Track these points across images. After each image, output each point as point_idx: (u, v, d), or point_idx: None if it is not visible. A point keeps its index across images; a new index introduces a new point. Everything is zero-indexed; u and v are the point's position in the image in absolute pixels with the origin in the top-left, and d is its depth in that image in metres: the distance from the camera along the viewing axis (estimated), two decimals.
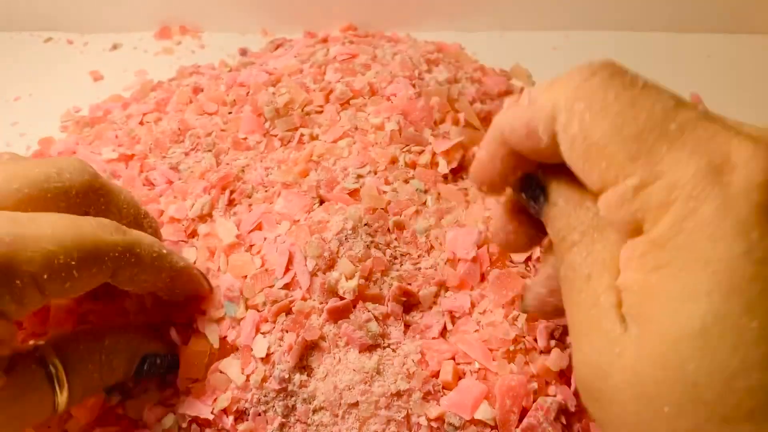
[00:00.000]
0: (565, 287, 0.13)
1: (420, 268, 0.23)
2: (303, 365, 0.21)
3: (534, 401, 0.19)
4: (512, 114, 0.14)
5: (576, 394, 0.20)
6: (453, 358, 0.20)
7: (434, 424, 0.19)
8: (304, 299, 0.21)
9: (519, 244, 0.16)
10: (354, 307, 0.21)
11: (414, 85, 0.29)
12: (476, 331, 0.21)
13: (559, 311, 0.14)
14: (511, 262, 0.23)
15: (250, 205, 0.26)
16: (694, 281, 0.10)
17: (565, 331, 0.21)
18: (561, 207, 0.13)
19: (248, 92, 0.30)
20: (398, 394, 0.20)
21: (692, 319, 0.10)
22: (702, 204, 0.10)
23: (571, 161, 0.12)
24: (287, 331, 0.21)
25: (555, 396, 0.20)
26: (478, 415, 0.19)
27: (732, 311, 0.10)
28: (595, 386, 0.11)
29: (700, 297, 0.10)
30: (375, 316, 0.21)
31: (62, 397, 0.17)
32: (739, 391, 0.10)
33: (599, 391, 0.11)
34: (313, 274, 0.22)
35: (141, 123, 0.30)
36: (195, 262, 0.24)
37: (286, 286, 0.22)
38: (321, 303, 0.21)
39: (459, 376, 0.20)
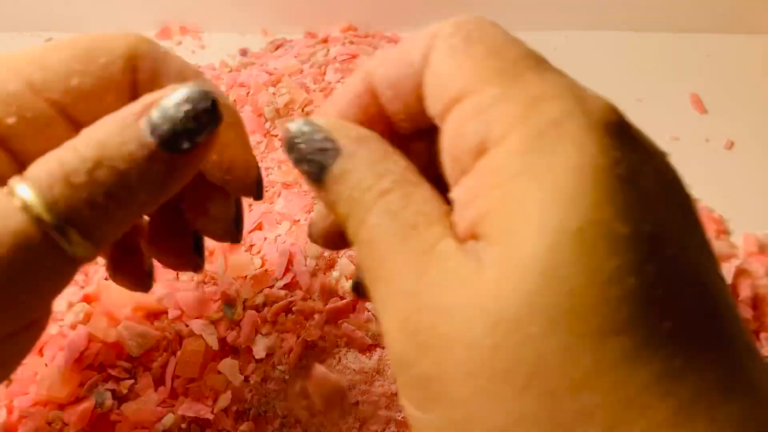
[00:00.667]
0: (376, 240, 0.11)
1: None
2: (303, 365, 0.21)
3: None
4: (382, 58, 0.13)
5: None
6: None
7: None
8: (304, 299, 0.21)
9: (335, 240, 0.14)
10: (354, 307, 0.21)
11: None
12: None
13: (346, 242, 0.12)
14: None
15: (250, 205, 0.26)
16: (564, 185, 0.09)
17: None
18: (363, 156, 0.11)
19: (248, 92, 0.30)
20: (397, 395, 0.20)
21: (567, 221, 0.09)
22: (567, 119, 0.10)
23: (430, 87, 0.11)
24: (287, 332, 0.21)
25: None
26: None
27: (605, 216, 0.09)
28: (433, 334, 0.10)
29: (573, 200, 0.09)
30: (375, 316, 0.21)
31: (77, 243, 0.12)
32: (613, 299, 0.09)
33: (438, 337, 0.10)
34: (312, 275, 0.22)
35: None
36: None
37: (286, 287, 0.22)
38: (321, 303, 0.21)
39: None
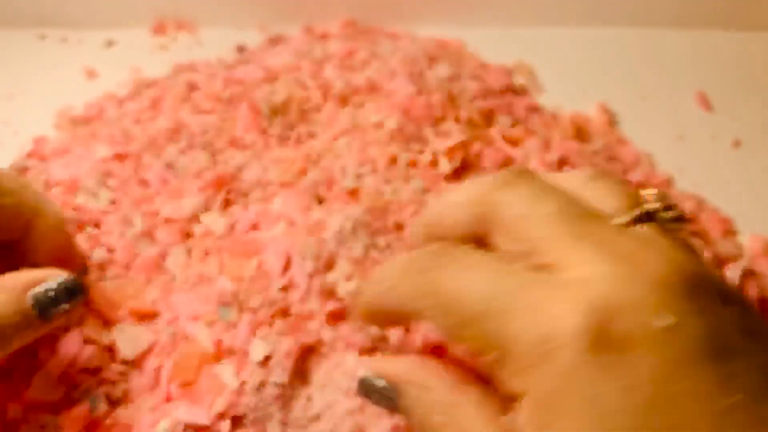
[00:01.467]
0: None
1: None
2: (301, 369, 0.20)
3: None
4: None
5: None
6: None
7: None
8: (302, 301, 0.21)
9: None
10: (353, 308, 0.21)
11: (414, 83, 0.28)
12: None
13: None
14: None
15: (246, 204, 0.25)
16: None
17: None
18: (410, 394, 0.14)
19: (245, 89, 0.29)
20: None
21: None
22: (558, 362, 0.11)
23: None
24: (285, 335, 0.20)
25: None
26: None
27: None
28: None
29: None
30: None
31: None
32: None
33: None
34: (311, 276, 0.21)
35: (136, 121, 0.30)
36: (188, 262, 0.23)
37: (284, 289, 0.21)
38: (319, 305, 0.21)
39: None
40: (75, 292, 0.18)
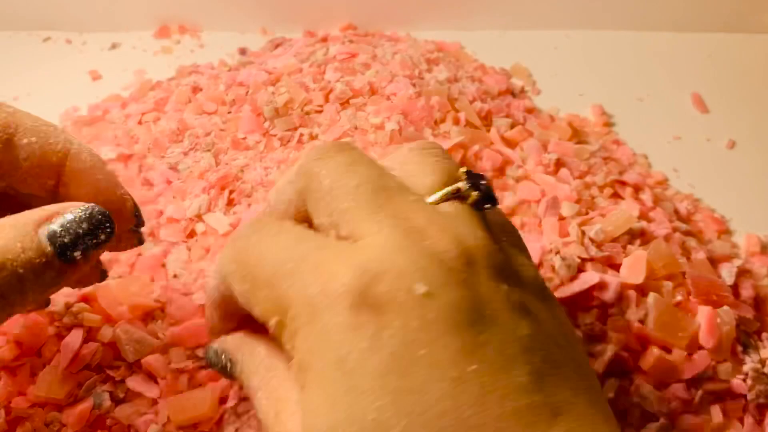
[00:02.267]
0: (264, 428, 0.14)
1: None
2: None
3: None
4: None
5: None
6: None
7: None
8: None
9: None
10: None
11: (414, 85, 0.29)
12: None
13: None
14: None
15: (249, 204, 0.25)
16: (314, 396, 0.11)
17: None
18: (241, 361, 0.15)
19: (247, 92, 0.30)
20: None
21: None
22: (303, 325, 0.12)
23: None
24: None
25: None
26: None
27: (337, 421, 0.11)
28: None
29: (318, 411, 0.11)
30: None
31: None
32: None
33: None
34: None
35: (140, 122, 0.30)
36: (191, 261, 0.24)
37: None
38: None
39: None
40: (100, 226, 0.14)
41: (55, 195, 0.16)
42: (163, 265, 0.24)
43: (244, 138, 0.28)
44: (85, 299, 0.22)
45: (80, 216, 0.14)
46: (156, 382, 0.21)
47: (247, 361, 0.15)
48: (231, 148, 0.28)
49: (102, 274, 0.19)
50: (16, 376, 0.21)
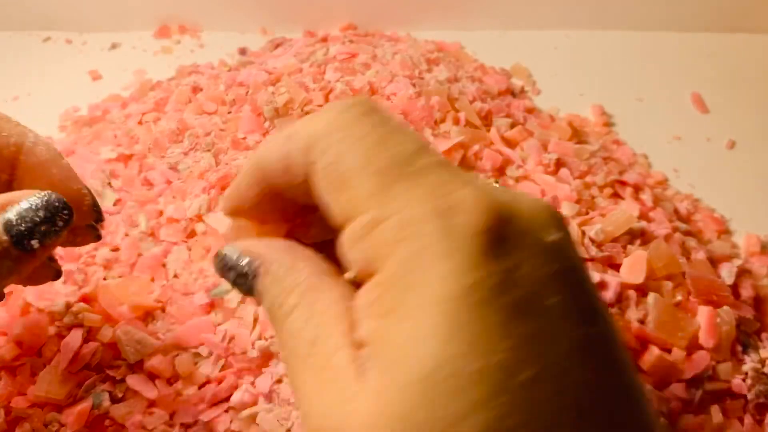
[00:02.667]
0: (289, 356, 0.12)
1: None
2: None
3: None
4: (271, 146, 0.13)
5: None
6: None
7: None
8: None
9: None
10: None
11: (414, 85, 0.29)
12: None
13: None
14: None
15: None
16: (423, 323, 0.10)
17: None
18: (274, 273, 0.12)
19: (247, 92, 0.30)
20: None
21: (420, 365, 0.10)
22: (429, 245, 0.10)
23: (322, 193, 0.12)
24: None
25: None
26: None
27: (454, 353, 0.09)
28: None
29: (428, 340, 0.10)
30: None
31: None
32: None
33: None
34: None
35: (140, 123, 0.30)
36: (192, 262, 0.24)
37: None
38: None
39: None
40: (58, 213, 0.14)
41: (9, 190, 0.16)
42: (164, 265, 0.24)
43: (244, 138, 0.28)
44: (85, 299, 0.22)
45: (36, 204, 0.14)
46: (155, 383, 0.21)
47: (283, 273, 0.12)
48: (231, 148, 0.28)
49: (56, 273, 0.18)
50: (16, 376, 0.21)
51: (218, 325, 0.22)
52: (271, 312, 0.12)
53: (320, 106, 0.29)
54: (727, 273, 0.24)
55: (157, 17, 0.38)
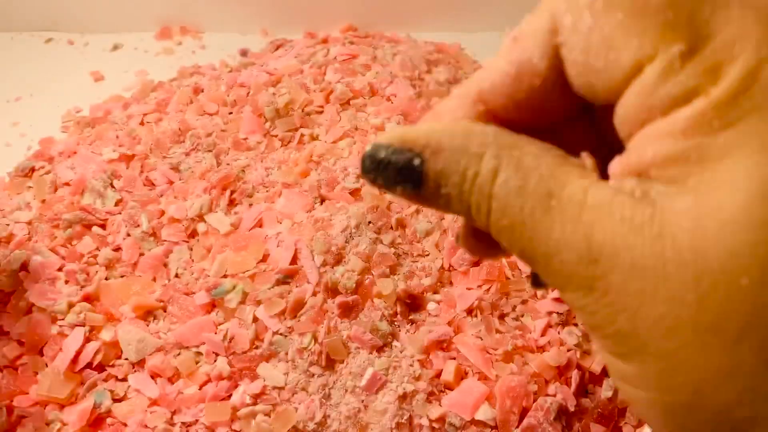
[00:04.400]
0: (516, 222, 0.10)
1: (422, 268, 0.23)
2: (319, 363, 0.21)
3: (534, 401, 0.19)
4: (490, 66, 0.11)
5: (576, 393, 0.20)
6: (455, 358, 0.21)
7: (436, 425, 0.19)
8: (314, 294, 0.21)
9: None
10: (363, 304, 0.22)
11: (414, 86, 0.29)
12: (476, 335, 0.21)
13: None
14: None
15: (250, 204, 0.26)
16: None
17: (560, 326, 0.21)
18: (449, 144, 0.10)
19: (249, 92, 0.30)
20: (404, 396, 0.20)
21: None
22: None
23: (587, 65, 0.10)
24: (301, 333, 0.21)
25: (555, 396, 0.20)
26: (478, 416, 0.19)
27: None
28: (622, 292, 0.09)
29: None
30: (383, 315, 0.21)
31: None
32: None
33: (629, 295, 0.09)
34: (321, 270, 0.22)
35: (142, 123, 0.30)
36: (192, 261, 0.24)
37: (293, 281, 0.22)
38: (330, 299, 0.21)
39: (461, 375, 0.20)
40: None
41: None
42: (165, 265, 0.24)
43: (245, 138, 0.28)
44: (87, 299, 0.22)
45: None
46: (156, 382, 0.21)
47: (462, 141, 0.10)
48: (232, 148, 0.28)
49: None
50: (18, 375, 0.21)
51: (219, 324, 0.22)
52: (464, 190, 0.10)
53: (321, 106, 0.29)
54: None
55: (159, 19, 0.38)
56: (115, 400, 0.20)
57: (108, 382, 0.21)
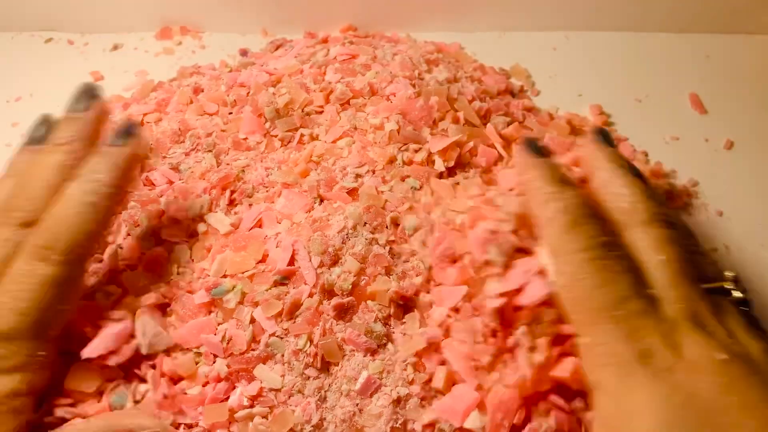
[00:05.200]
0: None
1: (413, 267, 0.23)
2: (317, 366, 0.21)
3: (525, 416, 0.19)
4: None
5: (570, 411, 0.19)
6: (445, 363, 0.20)
7: (427, 431, 0.20)
8: (311, 295, 0.22)
9: None
10: (357, 305, 0.22)
11: (414, 85, 0.29)
12: (462, 342, 0.20)
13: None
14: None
15: (250, 205, 0.26)
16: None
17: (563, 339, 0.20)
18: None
19: (248, 92, 0.30)
20: (398, 401, 0.20)
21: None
22: (629, 376, 0.16)
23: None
24: (296, 335, 0.21)
25: (550, 413, 0.19)
26: (467, 424, 0.19)
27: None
28: None
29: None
30: (378, 317, 0.21)
31: None
32: None
33: None
34: (318, 271, 0.22)
35: (141, 123, 0.30)
36: (192, 261, 0.24)
37: (290, 282, 0.22)
38: (326, 300, 0.21)
39: (452, 381, 0.20)
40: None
41: None
42: (166, 264, 0.24)
43: (245, 138, 0.28)
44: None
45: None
46: (157, 382, 0.21)
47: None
48: (232, 148, 0.28)
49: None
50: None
51: (219, 324, 0.22)
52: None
53: (321, 106, 0.29)
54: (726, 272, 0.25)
55: (159, 18, 0.38)
56: (135, 402, 0.20)
57: (133, 382, 0.20)
